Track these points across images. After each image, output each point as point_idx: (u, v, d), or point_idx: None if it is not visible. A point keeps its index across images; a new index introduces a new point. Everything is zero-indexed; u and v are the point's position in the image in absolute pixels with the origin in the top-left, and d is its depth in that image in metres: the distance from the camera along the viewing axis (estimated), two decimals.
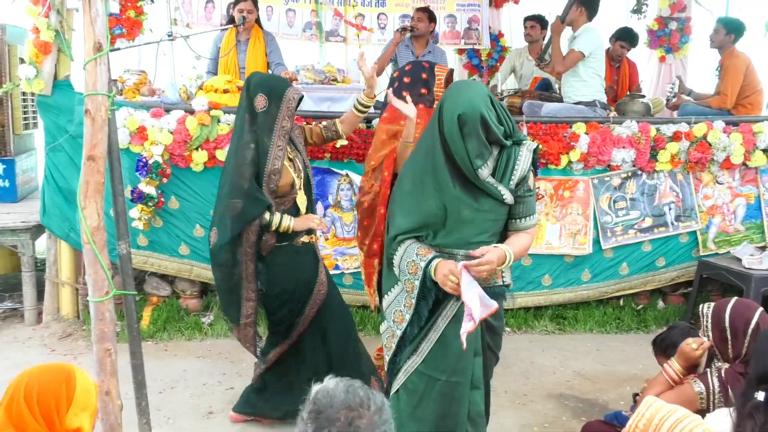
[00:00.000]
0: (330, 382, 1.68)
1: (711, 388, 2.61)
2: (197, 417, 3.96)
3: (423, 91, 3.86)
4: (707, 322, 2.76)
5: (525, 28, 7.07)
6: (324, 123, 3.90)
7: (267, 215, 3.49)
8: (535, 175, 2.84)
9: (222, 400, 4.16)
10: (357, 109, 3.84)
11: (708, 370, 2.71)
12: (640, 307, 5.80)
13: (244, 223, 3.47)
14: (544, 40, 6.82)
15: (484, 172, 2.67)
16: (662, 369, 2.85)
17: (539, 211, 5.41)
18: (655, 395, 2.72)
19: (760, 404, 2.17)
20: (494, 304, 2.57)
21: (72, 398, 2.08)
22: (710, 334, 2.74)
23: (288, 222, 3.56)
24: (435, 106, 3.87)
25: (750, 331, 2.64)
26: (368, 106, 3.84)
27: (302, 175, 3.71)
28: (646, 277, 5.69)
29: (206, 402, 4.14)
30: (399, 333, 2.85)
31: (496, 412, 4.01)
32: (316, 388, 1.68)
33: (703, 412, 2.55)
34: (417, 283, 2.71)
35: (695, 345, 2.78)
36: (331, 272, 5.30)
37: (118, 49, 5.66)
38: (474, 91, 2.65)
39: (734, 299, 2.79)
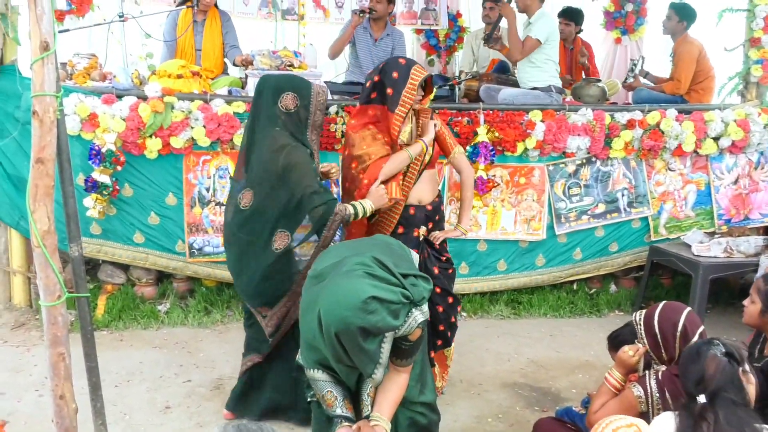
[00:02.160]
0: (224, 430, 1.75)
1: (649, 391, 2.69)
2: (154, 412, 3.93)
3: (389, 91, 3.69)
4: (641, 329, 2.84)
5: (483, 8, 7.04)
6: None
7: (351, 209, 3.48)
8: (424, 332, 2.66)
9: (179, 394, 4.14)
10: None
11: (647, 372, 2.79)
12: (593, 291, 5.92)
13: (327, 222, 3.44)
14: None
15: (379, 374, 2.50)
16: (605, 379, 2.93)
17: (495, 197, 5.46)
18: (600, 404, 2.81)
19: (706, 405, 2.26)
20: None
21: None
22: (644, 340, 2.83)
23: (368, 206, 3.55)
24: (398, 110, 3.68)
25: (678, 334, 2.72)
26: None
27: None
28: (598, 262, 5.80)
29: (163, 396, 4.12)
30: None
31: (452, 403, 4.10)
32: None
33: (645, 415, 2.63)
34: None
35: (631, 352, 2.87)
36: None
37: (67, 30, 5.51)
38: (347, 301, 2.31)
39: (662, 304, 2.86)
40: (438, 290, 3.90)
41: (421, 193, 3.89)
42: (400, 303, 2.37)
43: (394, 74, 3.68)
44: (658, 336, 2.77)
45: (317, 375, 2.62)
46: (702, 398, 2.27)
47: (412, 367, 2.73)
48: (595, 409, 2.81)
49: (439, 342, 4.05)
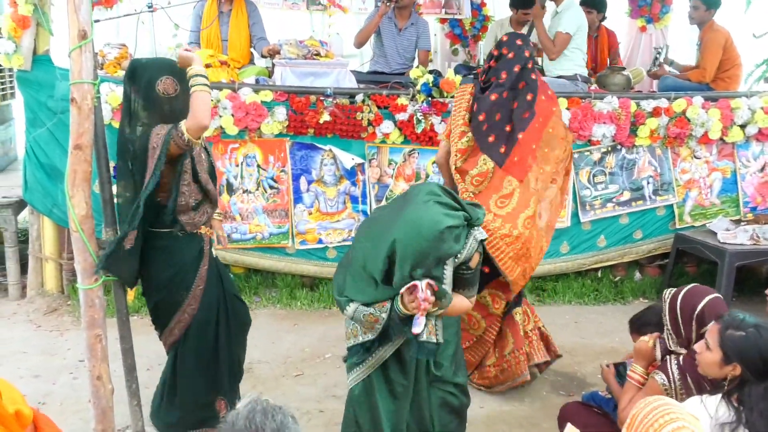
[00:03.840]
0: (239, 407, 1.72)
1: (671, 376, 2.72)
2: None
3: (529, 65, 4.02)
4: (665, 306, 2.87)
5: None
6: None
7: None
8: (481, 257, 2.76)
9: None
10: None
11: (667, 358, 2.82)
12: (617, 278, 5.93)
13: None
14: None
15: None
16: (628, 376, 2.96)
17: None
18: (628, 400, 2.82)
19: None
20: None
21: None
22: (666, 318, 2.85)
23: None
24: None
25: (695, 317, 2.75)
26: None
27: None
28: (623, 250, 5.81)
29: None
30: (360, 339, 2.82)
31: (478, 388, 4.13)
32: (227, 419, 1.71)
33: None
34: (379, 326, 2.68)
35: (646, 338, 2.91)
36: (315, 246, 5.39)
37: (98, 21, 5.56)
38: (426, 233, 2.48)
39: (691, 286, 2.88)
40: None
41: None
42: (461, 226, 2.57)
43: (526, 52, 4.07)
44: (678, 316, 2.80)
45: (356, 309, 2.66)
46: None
47: (456, 324, 2.95)
48: (624, 405, 2.84)
49: None
